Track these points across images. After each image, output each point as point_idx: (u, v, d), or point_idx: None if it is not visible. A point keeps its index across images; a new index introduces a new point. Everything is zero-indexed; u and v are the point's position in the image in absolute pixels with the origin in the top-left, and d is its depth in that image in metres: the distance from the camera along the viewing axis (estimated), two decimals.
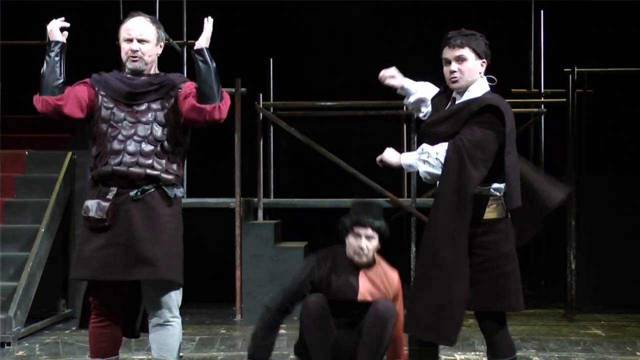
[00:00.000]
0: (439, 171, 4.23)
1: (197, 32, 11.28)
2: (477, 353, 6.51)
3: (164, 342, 4.43)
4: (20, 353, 6.62)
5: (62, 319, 7.99)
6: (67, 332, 7.48)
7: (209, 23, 4.50)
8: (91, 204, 4.41)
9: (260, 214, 8.88)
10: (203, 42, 4.48)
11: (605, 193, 8.93)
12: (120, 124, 4.44)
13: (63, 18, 4.50)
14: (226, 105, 4.46)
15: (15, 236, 7.73)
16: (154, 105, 4.47)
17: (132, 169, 4.36)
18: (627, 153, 11.29)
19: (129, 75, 4.53)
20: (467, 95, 4.30)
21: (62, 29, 4.49)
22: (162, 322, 4.43)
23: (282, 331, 5.75)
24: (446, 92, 4.47)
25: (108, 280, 4.41)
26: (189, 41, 9.89)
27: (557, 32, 10.71)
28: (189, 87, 4.47)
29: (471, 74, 4.26)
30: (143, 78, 4.50)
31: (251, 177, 8.97)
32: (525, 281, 10.77)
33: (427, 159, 4.26)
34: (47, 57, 4.43)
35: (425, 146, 4.32)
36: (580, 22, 11.32)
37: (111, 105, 4.46)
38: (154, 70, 4.59)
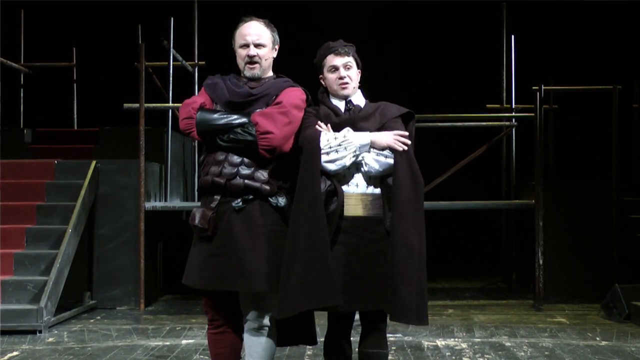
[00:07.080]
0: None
1: (207, 53, 11.30)
2: (456, 339, 6.49)
3: (253, 349, 3.96)
4: (50, 339, 6.59)
5: (87, 309, 7.96)
6: (92, 321, 7.45)
7: None
8: (196, 212, 3.92)
9: None
10: None
11: (569, 197, 8.94)
12: None
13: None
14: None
15: (45, 236, 7.70)
16: None
17: (231, 182, 3.87)
18: (588, 161, 11.35)
19: (243, 81, 4.01)
20: (357, 101, 4.02)
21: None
22: (253, 329, 3.96)
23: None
24: (321, 107, 4.03)
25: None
26: (200, 62, 9.90)
27: (526, 54, 10.75)
28: (280, 96, 3.96)
29: (355, 81, 4.02)
30: (244, 88, 3.97)
31: None
32: (498, 275, 10.87)
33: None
34: None
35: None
36: (547, 46, 11.35)
37: None
38: (269, 74, 4.06)
